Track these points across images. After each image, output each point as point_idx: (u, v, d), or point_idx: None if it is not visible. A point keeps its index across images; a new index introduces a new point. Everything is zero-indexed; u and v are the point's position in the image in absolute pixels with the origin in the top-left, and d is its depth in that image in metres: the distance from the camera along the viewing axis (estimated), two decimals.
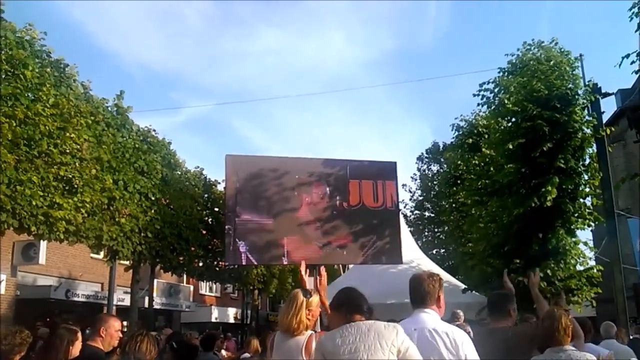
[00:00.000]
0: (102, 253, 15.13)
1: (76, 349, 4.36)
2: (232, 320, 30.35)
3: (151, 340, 4.00)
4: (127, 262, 13.45)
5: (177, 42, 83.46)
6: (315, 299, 3.82)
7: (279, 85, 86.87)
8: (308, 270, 4.56)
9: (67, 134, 9.29)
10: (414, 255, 15.09)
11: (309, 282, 12.59)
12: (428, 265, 15.27)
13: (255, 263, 15.65)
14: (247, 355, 8.73)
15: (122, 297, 18.94)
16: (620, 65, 10.59)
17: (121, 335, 4.70)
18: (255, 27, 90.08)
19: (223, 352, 11.44)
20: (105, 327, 4.65)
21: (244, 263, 12.37)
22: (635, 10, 10.54)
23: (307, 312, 3.70)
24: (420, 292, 3.51)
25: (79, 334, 4.46)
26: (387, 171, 13.08)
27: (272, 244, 11.93)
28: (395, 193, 13.16)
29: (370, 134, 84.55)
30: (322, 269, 4.74)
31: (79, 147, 9.59)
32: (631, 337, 10.95)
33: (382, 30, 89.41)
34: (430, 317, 3.42)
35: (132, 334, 4.07)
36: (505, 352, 3.99)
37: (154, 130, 13.32)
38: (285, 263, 16.03)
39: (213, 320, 28.47)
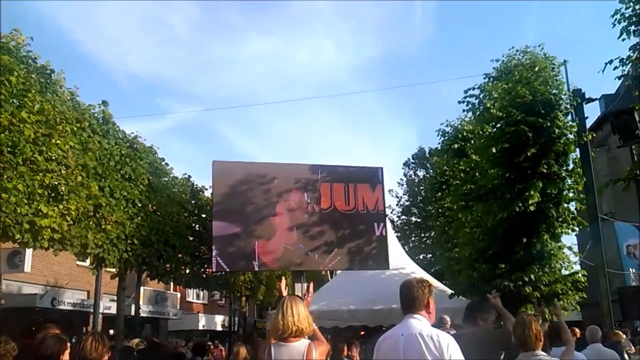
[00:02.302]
0: (88, 261, 15.04)
1: (66, 358, 4.29)
2: (219, 328, 30.22)
3: (98, 339, 4.02)
4: (114, 270, 13.37)
5: (164, 48, 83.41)
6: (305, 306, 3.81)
7: (267, 91, 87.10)
8: (289, 279, 4.59)
9: (53, 141, 9.23)
10: (400, 261, 15.13)
11: (296, 288, 12.63)
12: (415, 270, 15.31)
13: (240, 269, 15.67)
14: None
15: (108, 305, 18.81)
16: (603, 71, 10.73)
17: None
18: (243, 33, 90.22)
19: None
20: (77, 336, 4.59)
21: (227, 269, 12.37)
22: (618, 17, 10.69)
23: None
24: (409, 298, 3.56)
25: (68, 344, 4.39)
26: (373, 176, 13.15)
27: (257, 249, 11.93)
28: (381, 198, 13.22)
29: (358, 140, 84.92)
30: (311, 288, 4.68)
31: (64, 154, 9.53)
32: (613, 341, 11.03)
33: (369, 37, 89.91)
34: (419, 323, 3.46)
35: (83, 337, 4.06)
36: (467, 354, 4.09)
37: (141, 137, 13.30)
38: (270, 269, 16.06)
39: (200, 327, 28.34)
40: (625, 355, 9.27)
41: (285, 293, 4.25)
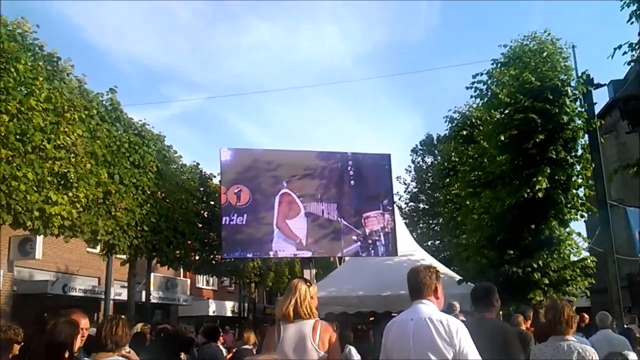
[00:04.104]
0: (98, 247, 15.17)
1: (79, 342, 4.33)
2: (229, 314, 30.41)
3: (126, 324, 3.99)
4: (124, 256, 13.47)
5: (167, 36, 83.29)
6: (314, 288, 3.93)
7: (271, 78, 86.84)
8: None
9: (61, 129, 9.25)
10: (409, 247, 15.15)
11: (304, 274, 12.67)
12: (423, 256, 15.33)
13: (250, 256, 15.75)
14: (246, 346, 8.74)
15: (119, 292, 18.93)
16: (612, 56, 10.60)
17: (85, 333, 4.53)
18: (246, 20, 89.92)
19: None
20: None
21: (238, 256, 12.46)
22: (627, 0, 10.54)
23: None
24: (417, 284, 3.59)
25: (79, 328, 4.43)
26: (381, 163, 13.15)
27: (266, 236, 11.99)
28: (389, 185, 13.23)
29: (363, 127, 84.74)
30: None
31: (73, 141, 9.56)
32: (625, 327, 11.02)
33: (374, 23, 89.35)
34: (427, 308, 3.50)
35: (107, 319, 4.03)
36: (490, 342, 4.08)
37: (149, 124, 13.32)
38: (279, 256, 16.11)
39: (210, 313, 28.51)
40: None
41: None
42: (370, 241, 12.65)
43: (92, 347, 4.21)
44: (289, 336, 3.69)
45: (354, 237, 12.53)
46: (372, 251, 12.68)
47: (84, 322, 4.60)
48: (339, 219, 12.44)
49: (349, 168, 12.74)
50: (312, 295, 3.84)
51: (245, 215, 11.96)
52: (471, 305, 11.95)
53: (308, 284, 3.90)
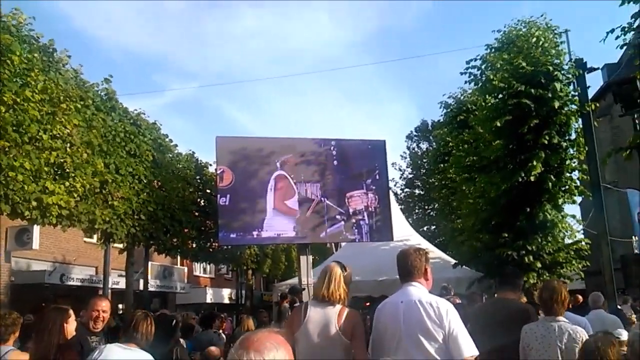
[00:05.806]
0: (95, 237, 15.19)
1: (72, 327, 4.44)
2: (227, 301, 30.52)
3: (154, 326, 4.14)
4: (121, 245, 13.52)
5: (158, 24, 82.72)
6: (349, 273, 3.96)
7: (264, 66, 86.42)
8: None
9: (57, 119, 9.26)
10: (404, 233, 15.25)
11: (301, 260, 12.72)
12: (419, 241, 15.44)
13: (246, 243, 15.84)
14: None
15: (117, 280, 19.02)
16: (604, 40, 10.60)
17: (103, 315, 4.74)
18: (238, 7, 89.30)
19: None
20: (85, 309, 4.74)
21: (233, 244, 12.53)
22: None
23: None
24: (407, 267, 3.65)
25: (70, 312, 4.52)
26: (376, 149, 13.20)
27: (261, 223, 12.08)
28: (385, 171, 13.30)
29: (358, 114, 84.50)
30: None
31: (69, 131, 9.58)
32: (618, 307, 11.16)
33: (366, 9, 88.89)
34: (417, 290, 3.55)
35: (143, 314, 4.14)
36: (513, 321, 4.24)
37: (144, 114, 13.32)
38: (276, 242, 16.20)
39: (208, 301, 28.63)
40: None
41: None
42: (354, 220, 12.72)
43: (115, 333, 4.34)
44: (314, 318, 3.72)
45: (337, 216, 12.60)
46: (356, 231, 12.75)
47: (104, 305, 4.78)
48: (322, 198, 12.52)
49: (331, 148, 12.79)
50: (345, 281, 3.85)
51: (228, 196, 12.04)
52: (467, 287, 12.10)
53: (344, 268, 3.91)
